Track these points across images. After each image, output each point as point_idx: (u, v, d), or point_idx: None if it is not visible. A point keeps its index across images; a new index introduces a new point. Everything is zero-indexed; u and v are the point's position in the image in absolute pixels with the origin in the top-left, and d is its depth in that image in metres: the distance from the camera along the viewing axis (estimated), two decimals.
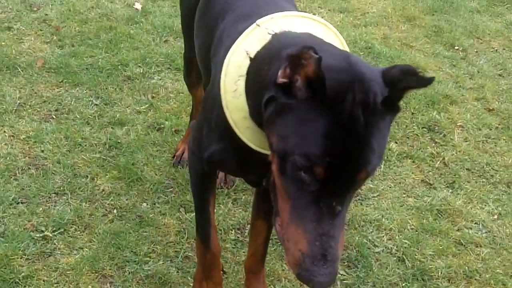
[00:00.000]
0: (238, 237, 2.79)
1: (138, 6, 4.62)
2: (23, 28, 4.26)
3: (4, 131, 3.32)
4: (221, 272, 2.45)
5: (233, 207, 2.95)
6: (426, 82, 1.42)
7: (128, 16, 4.47)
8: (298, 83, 1.43)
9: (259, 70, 1.59)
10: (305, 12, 4.37)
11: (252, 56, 1.68)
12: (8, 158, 3.12)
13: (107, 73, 3.82)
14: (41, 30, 4.26)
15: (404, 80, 1.44)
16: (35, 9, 4.51)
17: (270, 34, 1.69)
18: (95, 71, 3.82)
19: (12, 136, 3.29)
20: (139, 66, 3.91)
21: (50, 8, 4.54)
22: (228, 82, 1.71)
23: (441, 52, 4.34)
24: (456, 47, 4.44)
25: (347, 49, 1.77)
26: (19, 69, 3.81)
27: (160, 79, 3.80)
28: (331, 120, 1.39)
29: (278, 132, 1.48)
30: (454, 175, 3.25)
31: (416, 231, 2.89)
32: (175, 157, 3.15)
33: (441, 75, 4.06)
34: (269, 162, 1.55)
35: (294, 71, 1.42)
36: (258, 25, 1.70)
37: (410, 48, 4.36)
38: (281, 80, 1.45)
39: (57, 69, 3.83)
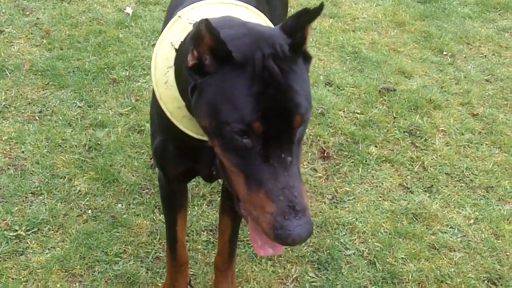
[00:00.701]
0: (209, 239, 2.79)
1: (129, 10, 4.65)
2: (14, 32, 4.30)
3: None
4: (188, 285, 2.48)
5: (208, 209, 2.95)
6: (315, 12, 1.48)
7: (118, 20, 4.50)
8: (207, 60, 1.50)
9: (183, 60, 1.59)
10: None
11: (176, 47, 1.72)
12: None
13: (93, 75, 3.85)
14: (31, 34, 4.29)
15: (298, 22, 1.52)
16: (27, 13, 4.55)
17: (191, 23, 1.71)
18: (81, 74, 3.85)
19: None
20: (126, 69, 3.93)
21: (42, 12, 4.57)
22: (159, 74, 1.75)
23: (429, 57, 4.33)
24: (445, 53, 4.42)
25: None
26: (7, 72, 3.84)
27: (145, 82, 3.82)
28: (248, 78, 1.46)
29: (206, 112, 1.52)
30: (433, 180, 3.23)
31: (390, 234, 2.88)
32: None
33: (427, 80, 4.05)
34: (211, 148, 1.58)
35: (199, 49, 1.49)
36: (180, 16, 1.74)
37: (397, 53, 4.35)
38: (191, 63, 1.52)
39: (44, 71, 3.86)
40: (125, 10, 4.64)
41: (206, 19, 1.43)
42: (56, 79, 3.79)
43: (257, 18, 1.83)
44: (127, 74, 3.88)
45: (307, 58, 1.61)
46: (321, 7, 1.47)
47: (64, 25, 4.42)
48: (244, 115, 1.44)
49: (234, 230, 2.30)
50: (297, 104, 1.47)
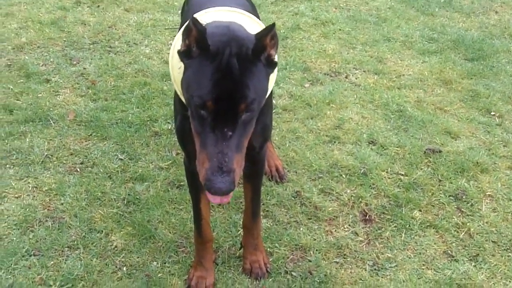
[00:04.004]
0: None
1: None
2: (61, 81, 4.37)
3: (28, 182, 3.36)
4: (213, 262, 2.84)
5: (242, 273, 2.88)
6: (271, 28, 1.99)
7: (163, 72, 4.53)
8: (194, 47, 2.01)
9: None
10: (341, 73, 4.37)
11: None
12: (27, 209, 3.16)
13: (136, 128, 3.86)
14: (77, 84, 4.35)
15: (261, 33, 2.02)
16: (74, 62, 4.63)
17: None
18: (124, 126, 3.86)
19: (35, 187, 3.33)
20: (168, 122, 3.93)
21: (89, 62, 4.65)
22: (174, 62, 2.21)
23: (476, 117, 4.22)
24: (493, 113, 4.30)
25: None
26: (51, 121, 3.89)
27: None
28: (214, 68, 1.97)
29: (184, 86, 2.07)
30: (479, 248, 3.10)
31: None
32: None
33: (473, 142, 3.93)
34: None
35: (189, 39, 2.01)
36: (195, 18, 2.07)
37: (443, 113, 4.25)
38: (182, 48, 2.05)
39: (88, 122, 3.89)
40: None
41: (195, 18, 1.96)
42: (99, 130, 3.81)
43: (257, 25, 2.34)
44: (169, 127, 3.88)
45: (272, 64, 2.10)
46: (273, 25, 1.99)
47: (110, 75, 4.47)
48: (202, 94, 1.95)
49: (255, 193, 2.77)
50: (243, 96, 1.96)
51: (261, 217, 3.01)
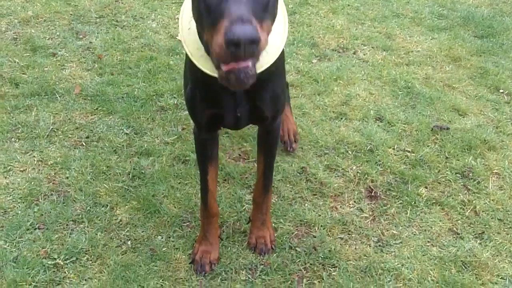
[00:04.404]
0: (248, 278, 2.71)
1: (181, 37, 4.64)
2: (67, 55, 4.35)
3: (34, 156, 3.36)
4: (218, 237, 2.83)
5: (247, 248, 2.87)
6: None
7: (170, 47, 4.50)
8: None
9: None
10: (349, 49, 4.32)
11: None
12: (33, 183, 3.15)
13: (142, 102, 3.84)
14: (84, 58, 4.33)
15: None
16: (81, 36, 4.60)
17: None
18: (130, 100, 3.84)
19: (41, 161, 3.32)
20: (174, 97, 3.90)
21: (96, 36, 4.62)
22: (184, 22, 2.19)
23: (485, 95, 4.17)
24: (501, 91, 4.25)
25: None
26: (57, 95, 3.87)
27: None
28: None
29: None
30: (484, 225, 3.08)
31: (437, 283, 2.74)
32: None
33: (481, 119, 3.89)
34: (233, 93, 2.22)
35: None
36: None
37: (452, 90, 4.21)
38: None
39: (94, 96, 3.87)
40: (177, 37, 4.64)
41: None
42: (105, 104, 3.79)
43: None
44: (175, 102, 3.85)
45: None
46: None
47: (116, 50, 4.44)
48: None
49: (268, 167, 2.74)
50: None
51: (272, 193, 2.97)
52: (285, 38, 2.20)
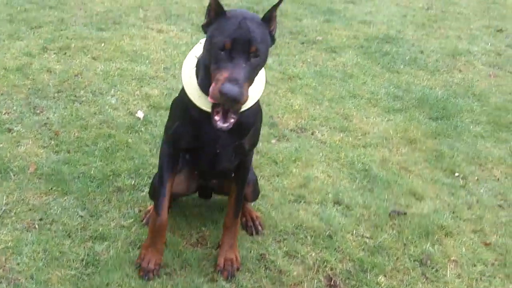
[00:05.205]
0: None
1: (140, 114, 4.61)
2: (23, 131, 4.25)
3: None
4: (164, 244, 3.11)
5: None
6: (277, 3, 2.60)
7: (128, 124, 4.45)
8: (212, 16, 2.63)
9: (199, 67, 2.76)
10: (307, 130, 4.34)
11: (197, 56, 2.79)
12: None
13: (98, 182, 3.75)
14: (40, 134, 4.24)
15: (271, 8, 2.65)
16: (38, 111, 4.52)
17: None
18: (86, 180, 3.76)
19: None
20: (131, 177, 3.83)
21: (54, 112, 4.54)
22: (186, 71, 2.80)
23: (441, 178, 4.22)
24: (457, 174, 4.32)
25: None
26: (11, 173, 3.76)
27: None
28: (231, 23, 2.53)
29: (207, 43, 2.62)
30: None
31: None
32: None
33: (438, 204, 3.92)
34: (217, 132, 2.68)
35: (209, 14, 2.64)
36: (200, 43, 2.79)
37: (408, 173, 4.25)
38: (205, 22, 2.67)
39: (49, 176, 3.77)
40: (136, 114, 4.61)
41: None
42: (60, 184, 3.69)
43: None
44: (133, 183, 3.78)
45: (272, 39, 2.67)
46: (280, 1, 2.58)
47: (74, 126, 4.37)
48: (222, 38, 2.50)
49: (239, 193, 3.14)
50: (254, 40, 2.49)
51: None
52: (263, 87, 2.89)
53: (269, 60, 5.79)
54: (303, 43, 6.59)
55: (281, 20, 7.14)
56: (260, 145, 4.36)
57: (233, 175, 3.14)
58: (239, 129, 2.75)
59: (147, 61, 5.58)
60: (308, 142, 4.48)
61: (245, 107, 2.63)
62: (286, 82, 5.49)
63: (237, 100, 2.39)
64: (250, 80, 2.52)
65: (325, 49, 6.43)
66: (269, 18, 2.63)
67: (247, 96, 2.46)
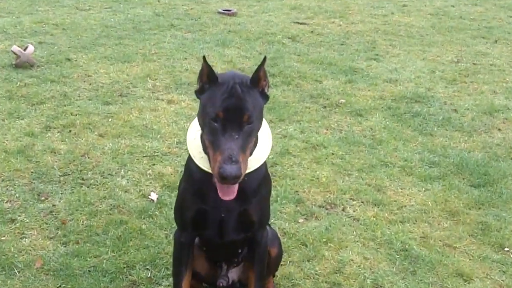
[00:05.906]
0: None
1: (153, 196, 4.59)
2: (27, 221, 4.24)
3: None
4: None
5: None
6: (262, 63, 2.78)
7: (141, 208, 4.42)
8: (206, 83, 2.82)
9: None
10: (337, 205, 4.27)
11: (199, 129, 2.89)
12: None
13: (111, 277, 3.70)
14: (46, 224, 4.22)
15: (257, 68, 2.80)
16: (42, 198, 4.52)
17: None
18: (98, 275, 3.71)
19: None
20: (147, 269, 3.78)
21: (59, 197, 4.53)
22: (191, 137, 2.97)
23: (489, 255, 4.12)
24: (506, 249, 4.21)
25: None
26: (16, 270, 3.73)
27: (168, 286, 3.64)
28: (223, 91, 2.71)
29: (201, 112, 2.82)
30: None
31: None
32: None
33: (489, 285, 3.81)
34: (219, 202, 2.84)
35: (202, 78, 2.83)
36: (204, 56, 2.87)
37: (453, 250, 4.15)
38: (197, 88, 2.86)
39: (57, 271, 3.73)
40: (149, 196, 4.58)
41: (204, 57, 2.76)
42: (69, 280, 3.65)
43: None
44: (149, 275, 3.73)
45: (265, 97, 2.87)
46: (264, 59, 2.80)
47: (82, 213, 4.35)
48: (214, 108, 2.67)
49: (258, 279, 3.21)
50: (246, 109, 2.67)
51: None
52: (269, 150, 2.98)
53: (290, 128, 5.83)
54: (325, 107, 6.60)
55: (299, 83, 7.20)
56: (286, 225, 4.31)
57: (241, 251, 3.29)
58: (242, 192, 2.84)
59: (159, 135, 5.60)
60: (339, 220, 4.42)
61: (249, 169, 2.77)
62: (310, 151, 5.47)
63: (238, 177, 2.58)
64: (247, 148, 2.69)
65: (350, 113, 6.43)
66: (257, 79, 2.81)
67: (246, 167, 2.67)
